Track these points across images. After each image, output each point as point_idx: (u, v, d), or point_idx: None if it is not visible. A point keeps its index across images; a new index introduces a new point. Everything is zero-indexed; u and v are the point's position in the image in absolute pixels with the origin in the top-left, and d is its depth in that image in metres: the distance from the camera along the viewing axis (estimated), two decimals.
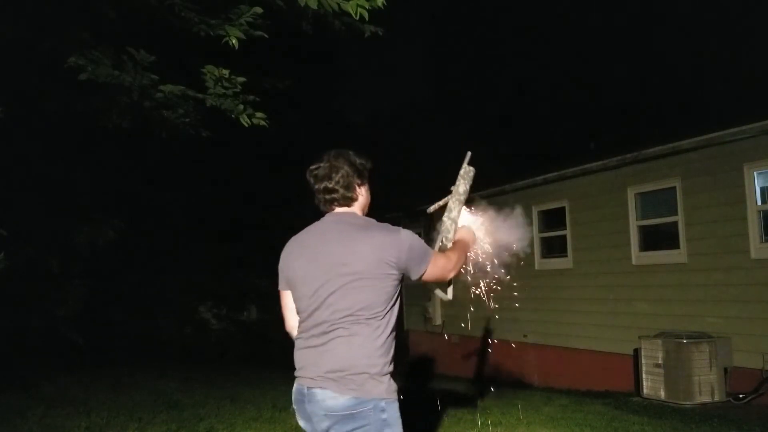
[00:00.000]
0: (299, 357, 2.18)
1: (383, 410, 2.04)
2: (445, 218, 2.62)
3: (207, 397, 7.04)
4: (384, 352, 2.07)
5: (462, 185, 2.68)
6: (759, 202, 6.80)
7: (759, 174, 6.83)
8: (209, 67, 4.91)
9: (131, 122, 5.84)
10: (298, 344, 2.20)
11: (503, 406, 6.47)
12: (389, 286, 2.08)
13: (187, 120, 5.61)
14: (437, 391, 6.83)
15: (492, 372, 10.14)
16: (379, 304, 2.07)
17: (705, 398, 6.52)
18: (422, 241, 2.20)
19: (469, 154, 2.74)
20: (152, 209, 12.13)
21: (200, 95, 5.16)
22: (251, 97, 5.25)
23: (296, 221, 2.68)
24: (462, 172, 2.72)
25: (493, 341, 10.49)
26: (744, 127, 6.82)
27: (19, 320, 8.13)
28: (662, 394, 6.79)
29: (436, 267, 2.22)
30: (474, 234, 2.62)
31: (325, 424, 2.07)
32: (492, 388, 7.33)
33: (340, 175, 2.19)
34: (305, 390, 2.10)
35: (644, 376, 7.04)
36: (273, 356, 14.22)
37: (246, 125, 5.28)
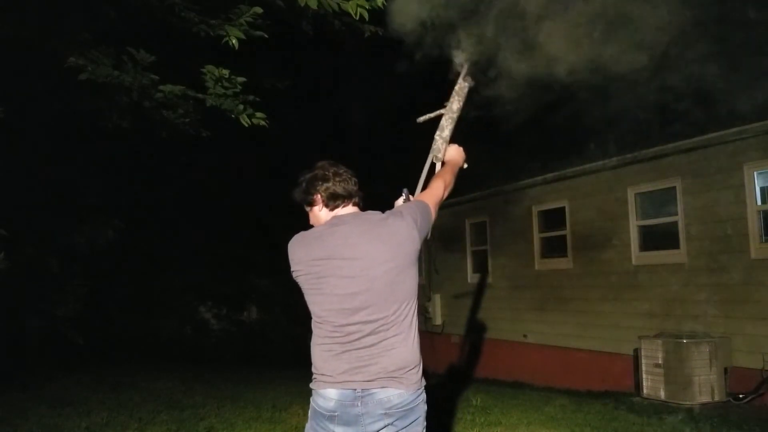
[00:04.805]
0: (337, 360, 2.08)
1: (425, 399, 2.17)
2: (436, 137, 2.62)
3: (207, 397, 7.05)
4: (419, 341, 2.17)
5: (456, 102, 2.65)
6: (759, 202, 6.80)
7: (759, 174, 6.83)
8: (209, 67, 4.91)
9: (131, 122, 5.84)
10: (329, 348, 2.11)
11: (503, 406, 6.48)
12: (416, 266, 2.16)
13: (187, 120, 5.61)
14: (437, 392, 6.83)
15: (492, 372, 10.15)
16: (415, 290, 2.15)
17: (705, 398, 6.52)
18: (416, 203, 2.25)
19: (465, 67, 2.69)
20: (152, 209, 12.13)
21: (200, 95, 5.16)
22: (251, 97, 5.25)
23: (296, 221, 2.67)
24: (456, 88, 2.66)
25: (492, 341, 10.50)
26: (744, 127, 6.82)
27: (19, 320, 8.13)
28: (662, 394, 6.79)
29: (435, 207, 2.31)
30: (462, 152, 2.64)
31: (380, 424, 2.05)
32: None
33: (349, 174, 2.25)
34: (356, 392, 2.05)
35: (644, 376, 7.04)
36: (273, 356, 14.25)
37: (246, 125, 5.28)
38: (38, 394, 7.10)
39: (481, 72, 2.78)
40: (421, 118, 2.71)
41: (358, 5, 4.65)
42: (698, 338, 6.74)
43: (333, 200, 2.22)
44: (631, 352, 7.64)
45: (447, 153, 2.61)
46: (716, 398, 6.53)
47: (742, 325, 6.79)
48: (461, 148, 2.64)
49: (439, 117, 2.66)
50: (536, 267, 9.95)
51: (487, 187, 10.88)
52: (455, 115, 2.64)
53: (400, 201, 2.40)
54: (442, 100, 2.70)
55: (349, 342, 2.08)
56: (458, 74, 2.69)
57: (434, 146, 2.60)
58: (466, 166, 2.63)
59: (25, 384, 7.54)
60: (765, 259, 6.67)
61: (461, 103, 2.65)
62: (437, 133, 2.62)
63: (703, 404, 6.47)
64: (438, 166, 2.59)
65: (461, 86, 2.66)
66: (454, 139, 2.65)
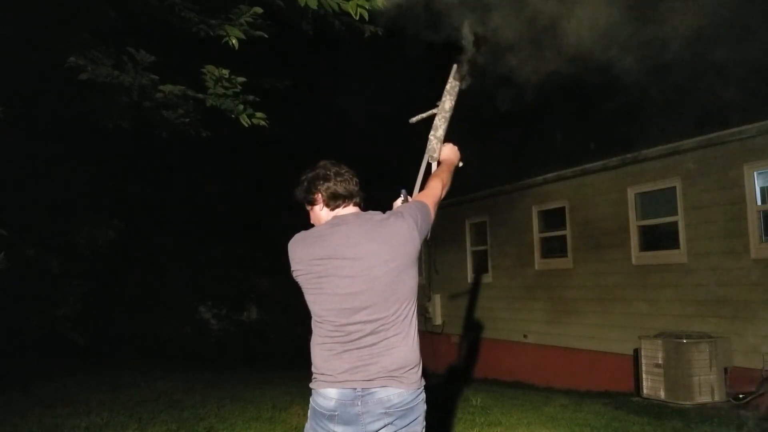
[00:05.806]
0: (338, 360, 2.08)
1: (424, 399, 2.17)
2: (431, 137, 2.63)
3: (207, 397, 7.05)
4: (419, 341, 2.17)
5: (448, 101, 2.65)
6: (759, 202, 6.80)
7: (759, 174, 6.83)
8: (209, 67, 4.91)
9: (131, 122, 5.84)
10: (330, 347, 2.11)
11: (503, 406, 6.48)
12: (416, 266, 2.17)
13: (187, 120, 5.60)
14: (437, 392, 6.83)
15: (492, 372, 10.15)
16: (415, 289, 2.16)
17: (705, 398, 6.52)
18: (415, 204, 2.26)
19: (455, 66, 2.68)
20: (152, 209, 12.14)
21: (200, 95, 5.15)
22: (251, 97, 5.25)
23: (296, 220, 2.67)
24: (448, 87, 2.66)
25: (492, 341, 10.50)
26: (744, 127, 6.83)
27: (19, 320, 8.13)
28: (662, 394, 6.79)
29: (434, 207, 2.31)
30: (457, 151, 2.64)
31: (380, 423, 2.06)
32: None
33: (351, 174, 2.27)
34: (357, 392, 2.05)
35: (644, 376, 7.05)
36: (273, 356, 14.25)
37: (246, 125, 5.27)
38: (38, 394, 7.10)
39: (478, 71, 2.77)
40: (414, 119, 2.71)
41: (358, 5, 4.64)
42: (698, 338, 6.74)
43: (334, 200, 2.23)
44: (631, 352, 7.64)
45: (442, 152, 2.61)
46: (716, 398, 6.53)
47: (742, 325, 6.79)
48: (456, 147, 2.64)
49: (432, 117, 2.66)
50: (536, 267, 9.95)
51: (487, 187, 10.88)
52: (448, 114, 2.64)
53: (398, 202, 2.40)
54: (439, 100, 2.69)
55: (349, 341, 2.08)
56: (449, 73, 2.68)
57: (429, 146, 2.61)
58: (461, 164, 2.64)
59: (25, 384, 7.54)
60: (765, 259, 6.67)
61: (453, 102, 2.66)
62: (431, 133, 2.63)
63: (703, 404, 6.47)
64: (434, 166, 2.60)
65: (452, 85, 2.66)
66: (449, 138, 2.66)
